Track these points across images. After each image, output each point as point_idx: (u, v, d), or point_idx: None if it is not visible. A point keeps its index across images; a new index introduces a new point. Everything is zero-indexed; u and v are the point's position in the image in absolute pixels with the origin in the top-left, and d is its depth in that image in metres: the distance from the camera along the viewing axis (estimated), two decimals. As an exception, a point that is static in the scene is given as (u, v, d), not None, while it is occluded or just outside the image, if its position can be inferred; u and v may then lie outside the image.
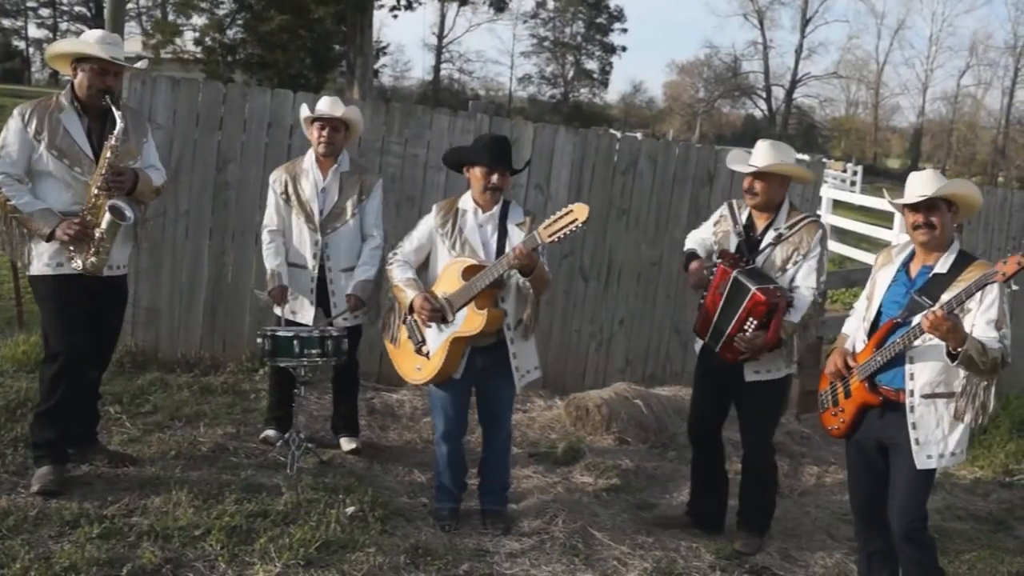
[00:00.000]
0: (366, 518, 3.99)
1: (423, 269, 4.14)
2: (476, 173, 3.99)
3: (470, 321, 3.88)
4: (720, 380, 4.23)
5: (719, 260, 4.12)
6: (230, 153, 5.80)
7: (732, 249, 4.18)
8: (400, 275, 4.05)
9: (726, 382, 4.21)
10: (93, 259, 3.90)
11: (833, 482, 5.28)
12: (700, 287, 4.18)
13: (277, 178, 4.70)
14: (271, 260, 4.65)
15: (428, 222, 4.12)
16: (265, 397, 5.17)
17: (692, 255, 4.29)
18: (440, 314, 3.91)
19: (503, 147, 4.00)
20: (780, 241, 4.08)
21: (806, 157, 11.39)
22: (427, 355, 4.01)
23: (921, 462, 3.40)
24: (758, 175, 4.07)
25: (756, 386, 4.13)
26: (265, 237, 4.71)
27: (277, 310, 4.66)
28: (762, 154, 4.08)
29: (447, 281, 3.95)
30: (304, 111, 4.71)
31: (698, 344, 4.33)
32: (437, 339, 3.97)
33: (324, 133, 4.56)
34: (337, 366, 4.65)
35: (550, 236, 3.71)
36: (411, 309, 3.98)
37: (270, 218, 4.70)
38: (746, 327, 3.94)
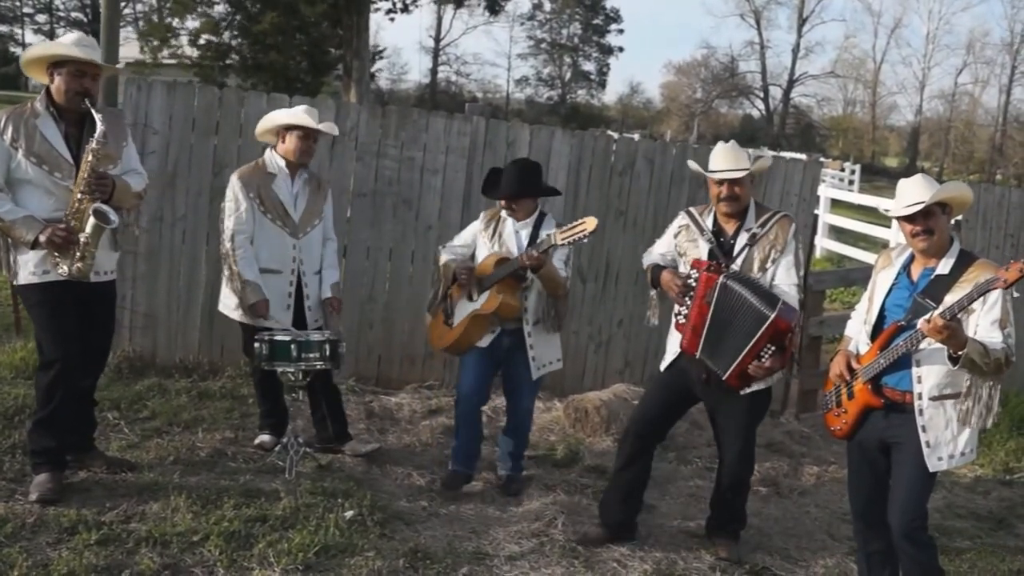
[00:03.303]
0: (365, 522, 3.98)
1: None
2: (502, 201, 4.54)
3: (487, 302, 4.42)
4: (688, 389, 4.08)
5: (694, 270, 3.94)
6: (226, 158, 5.78)
7: (704, 257, 4.00)
8: (445, 257, 4.62)
9: (693, 392, 4.08)
10: (79, 264, 3.85)
11: (833, 482, 5.27)
12: (685, 294, 3.95)
13: (248, 181, 4.55)
14: (249, 271, 4.48)
15: (474, 226, 4.68)
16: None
17: (658, 267, 4.14)
18: (473, 281, 4.46)
19: (517, 177, 4.47)
20: (755, 241, 3.97)
21: (803, 156, 11.44)
22: (451, 326, 4.55)
23: (933, 464, 3.39)
24: (735, 180, 3.94)
25: (751, 395, 3.98)
26: (239, 243, 4.50)
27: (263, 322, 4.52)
28: (733, 157, 3.97)
29: (483, 268, 4.52)
30: (284, 119, 4.59)
31: (670, 355, 4.12)
32: (461, 313, 4.51)
33: (307, 144, 4.57)
34: (316, 377, 4.56)
35: (563, 239, 4.17)
36: (454, 277, 4.48)
37: (240, 223, 4.51)
38: (763, 355, 3.77)
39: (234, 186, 4.57)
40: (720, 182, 3.96)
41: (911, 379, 3.41)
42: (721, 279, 3.83)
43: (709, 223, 4.08)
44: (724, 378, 3.87)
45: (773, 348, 3.78)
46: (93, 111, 3.88)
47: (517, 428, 4.70)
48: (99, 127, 3.85)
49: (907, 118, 52.52)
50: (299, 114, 4.58)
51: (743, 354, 3.79)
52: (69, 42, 3.95)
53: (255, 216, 4.54)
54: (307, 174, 4.71)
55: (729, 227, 4.05)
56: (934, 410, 3.39)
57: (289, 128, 4.57)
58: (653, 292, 4.23)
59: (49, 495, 3.85)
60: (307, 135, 4.56)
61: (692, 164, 4.28)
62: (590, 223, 4.15)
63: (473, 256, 4.60)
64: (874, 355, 3.48)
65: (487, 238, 4.55)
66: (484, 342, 4.51)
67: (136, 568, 3.41)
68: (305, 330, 4.56)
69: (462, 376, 4.63)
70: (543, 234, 4.37)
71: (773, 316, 3.71)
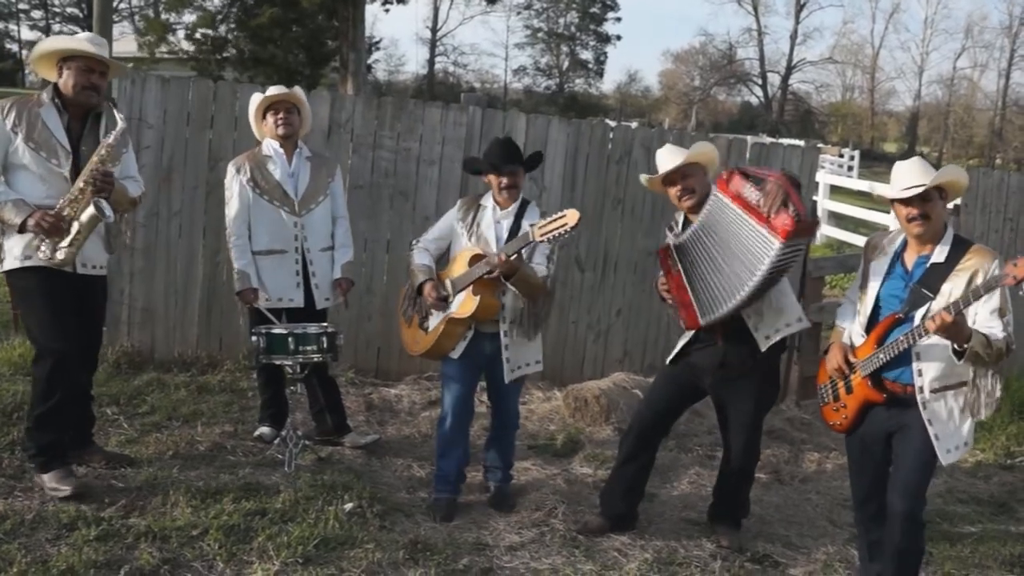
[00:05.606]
0: (364, 514, 3.98)
1: (444, 258, 4.40)
2: (490, 179, 4.24)
3: (463, 305, 4.12)
4: (695, 384, 4.04)
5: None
6: (221, 151, 5.76)
7: None
8: (417, 260, 4.33)
9: (700, 386, 4.03)
10: (64, 251, 3.84)
11: (834, 468, 5.27)
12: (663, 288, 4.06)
13: (241, 166, 4.61)
14: (240, 258, 4.56)
15: (451, 215, 4.38)
16: (263, 395, 5.13)
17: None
18: (444, 303, 4.18)
19: (508, 149, 4.21)
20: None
21: (801, 142, 11.40)
22: (426, 330, 4.28)
23: (943, 456, 3.37)
24: (683, 174, 3.88)
25: (759, 387, 3.94)
26: (234, 230, 4.58)
27: (259, 304, 4.56)
28: (675, 153, 3.93)
29: (457, 265, 4.21)
30: (253, 103, 4.69)
31: (678, 347, 4.10)
32: (436, 317, 4.24)
33: (281, 116, 4.58)
34: (312, 370, 4.56)
35: (542, 235, 3.89)
36: (419, 291, 4.26)
37: (234, 210, 4.59)
38: (761, 207, 3.53)
39: (228, 173, 4.66)
40: (672, 183, 3.93)
41: (912, 373, 3.38)
42: (670, 242, 3.93)
43: (680, 218, 4.06)
44: (800, 224, 3.50)
45: (754, 186, 3.58)
46: (116, 111, 3.96)
47: (506, 433, 4.45)
48: (120, 124, 3.93)
49: (906, 103, 52.45)
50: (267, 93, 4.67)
51: (754, 215, 3.56)
52: (82, 39, 4.01)
53: (250, 199, 4.57)
54: (309, 152, 4.72)
55: (695, 219, 3.99)
56: (936, 403, 3.36)
57: (265, 110, 4.62)
58: None
59: (80, 488, 3.87)
60: (278, 109, 4.59)
61: (643, 178, 4.09)
62: (571, 216, 3.84)
63: (449, 249, 4.35)
64: (871, 348, 3.44)
65: (464, 228, 4.26)
66: (458, 351, 4.19)
67: (136, 563, 3.40)
68: (313, 307, 4.61)
69: (446, 395, 4.29)
70: (525, 224, 4.16)
71: (715, 186, 3.74)
